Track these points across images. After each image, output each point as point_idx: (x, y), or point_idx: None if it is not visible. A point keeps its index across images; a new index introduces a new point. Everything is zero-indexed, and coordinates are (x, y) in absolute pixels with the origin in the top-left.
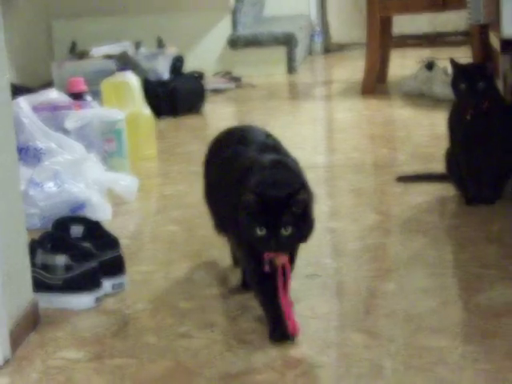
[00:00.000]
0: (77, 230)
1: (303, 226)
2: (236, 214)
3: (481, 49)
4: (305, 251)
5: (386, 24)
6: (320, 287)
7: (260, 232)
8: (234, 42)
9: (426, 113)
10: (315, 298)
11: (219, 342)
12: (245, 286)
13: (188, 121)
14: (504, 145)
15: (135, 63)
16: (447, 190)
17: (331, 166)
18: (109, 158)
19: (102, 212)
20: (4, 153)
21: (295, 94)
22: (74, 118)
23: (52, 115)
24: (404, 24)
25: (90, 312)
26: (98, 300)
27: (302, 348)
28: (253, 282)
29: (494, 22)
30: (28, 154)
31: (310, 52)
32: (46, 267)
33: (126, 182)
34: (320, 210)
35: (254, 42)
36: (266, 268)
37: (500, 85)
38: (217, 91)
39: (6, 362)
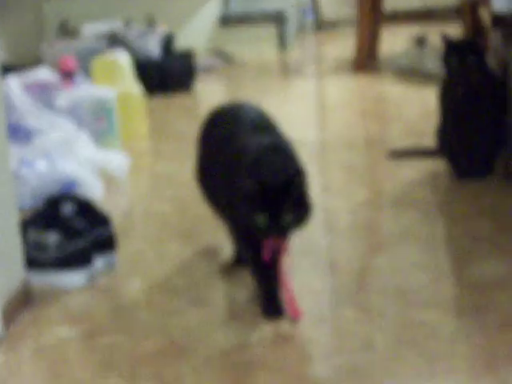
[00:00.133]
0: (68, 209)
1: (303, 210)
2: (231, 198)
3: (472, 24)
4: None
5: (377, 1)
6: (312, 263)
7: (261, 219)
8: (225, 20)
9: (417, 89)
10: (307, 274)
11: (211, 318)
12: (237, 262)
13: (179, 99)
14: (495, 119)
15: (126, 42)
16: (438, 165)
17: (322, 143)
18: (100, 137)
19: (93, 190)
20: None
21: (286, 71)
22: (64, 97)
23: (43, 94)
24: (395, 0)
25: (82, 290)
26: (89, 278)
27: (294, 323)
28: (249, 260)
29: None
30: (19, 133)
31: (301, 29)
32: (37, 246)
33: (117, 160)
34: (312, 186)
35: (244, 19)
36: (267, 254)
37: (491, 60)
38: (207, 69)
39: None
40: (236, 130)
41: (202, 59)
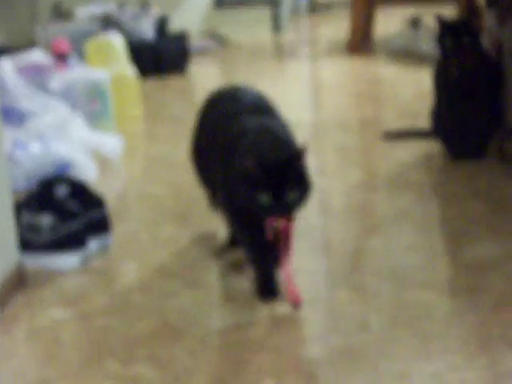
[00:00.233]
0: (62, 190)
1: (305, 187)
2: (228, 179)
3: (466, 5)
4: None
5: None
6: (307, 245)
7: (264, 198)
8: (219, 2)
9: (412, 70)
10: (302, 256)
11: (205, 299)
12: (231, 244)
13: (173, 81)
14: (489, 100)
15: (119, 24)
16: (433, 146)
17: (317, 124)
18: (94, 119)
19: (87, 172)
20: None
21: (281, 53)
22: (58, 79)
23: (36, 76)
24: None
25: (76, 271)
26: (84, 259)
27: (288, 304)
28: (243, 242)
29: None
30: (12, 115)
31: (296, 12)
32: (31, 228)
33: (111, 142)
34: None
35: (239, 1)
36: (270, 235)
37: (485, 41)
38: (202, 51)
39: None
40: (234, 111)
41: (196, 41)
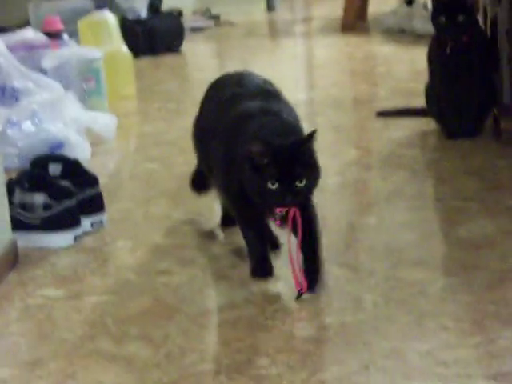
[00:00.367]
0: (55, 169)
1: (315, 175)
2: (228, 164)
3: None
4: None
5: None
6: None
7: (272, 186)
8: None
9: (406, 48)
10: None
11: (199, 278)
12: (224, 223)
13: (167, 59)
14: (484, 79)
15: (113, 2)
16: (427, 124)
17: (311, 103)
18: (87, 97)
19: (80, 151)
20: None
21: (274, 31)
22: (51, 58)
23: (29, 55)
24: None
25: (69, 250)
26: (77, 238)
27: (282, 283)
28: (241, 223)
29: None
30: (5, 93)
31: None
32: (24, 206)
33: (104, 120)
34: None
35: None
36: (278, 223)
37: (480, 18)
38: (195, 30)
39: None
40: (239, 93)
41: (189, 20)
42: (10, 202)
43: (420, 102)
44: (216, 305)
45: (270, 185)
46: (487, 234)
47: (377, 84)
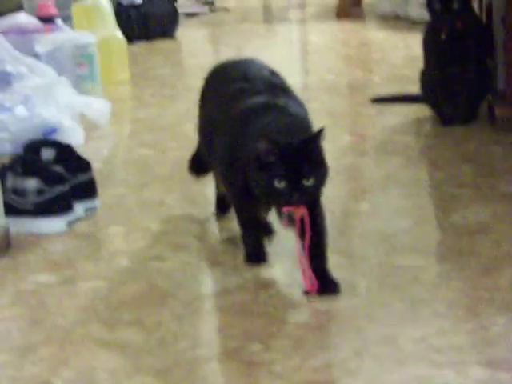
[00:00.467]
0: (48, 154)
1: (322, 173)
2: (233, 161)
3: None
4: None
5: None
6: None
7: (279, 184)
8: None
9: (402, 35)
10: None
11: (192, 263)
12: (219, 209)
13: (161, 45)
14: (479, 65)
15: None
16: (422, 111)
17: (306, 88)
18: (81, 83)
19: (74, 136)
20: None
21: (269, 17)
22: (44, 42)
23: (22, 39)
24: None
25: (62, 236)
26: (69, 224)
27: (275, 269)
28: (239, 211)
29: None
30: None
31: None
32: (16, 191)
33: (98, 106)
34: None
35: None
36: (285, 223)
37: (475, 4)
38: (190, 15)
39: None
40: (246, 88)
41: (184, 5)
42: (3, 187)
43: (415, 88)
44: (209, 291)
45: (276, 183)
46: (481, 221)
47: (372, 70)
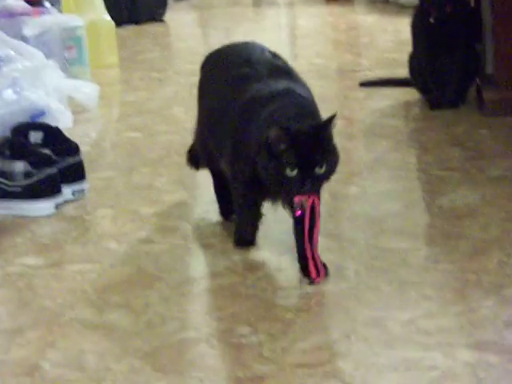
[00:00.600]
0: (36, 137)
1: (334, 161)
2: (240, 150)
3: None
4: None
5: None
6: None
7: (291, 173)
8: None
9: (391, 19)
10: None
11: (181, 246)
12: (223, 215)
13: (150, 28)
14: (467, 49)
15: None
16: (411, 94)
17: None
18: (69, 66)
19: (62, 119)
20: None
21: (258, 1)
22: (32, 25)
23: (10, 22)
24: None
25: (50, 218)
26: (57, 206)
27: (264, 251)
28: (238, 199)
29: None
30: None
31: None
32: (4, 174)
33: (86, 89)
34: None
35: None
36: (298, 213)
37: None
38: None
39: None
40: (249, 74)
41: None
42: None
43: (403, 72)
44: (197, 273)
45: (288, 172)
46: (469, 204)
47: (360, 54)
